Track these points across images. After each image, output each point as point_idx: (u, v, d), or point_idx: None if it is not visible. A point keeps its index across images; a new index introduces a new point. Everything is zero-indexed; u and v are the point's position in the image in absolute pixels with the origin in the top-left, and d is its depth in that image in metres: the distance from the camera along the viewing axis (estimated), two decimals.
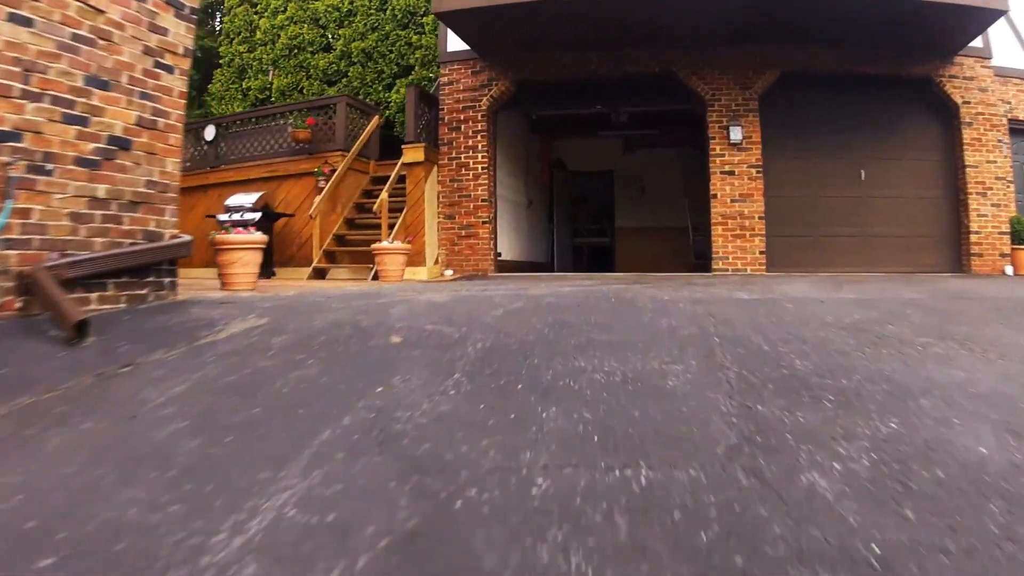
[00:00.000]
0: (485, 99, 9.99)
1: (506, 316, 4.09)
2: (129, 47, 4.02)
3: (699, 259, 14.82)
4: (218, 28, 17.11)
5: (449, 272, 9.81)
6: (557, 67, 9.85)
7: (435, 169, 10.05)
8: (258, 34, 14.15)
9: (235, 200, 10.57)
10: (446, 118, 10.12)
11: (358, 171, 10.86)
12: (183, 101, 4.42)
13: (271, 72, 13.78)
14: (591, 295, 5.31)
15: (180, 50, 4.41)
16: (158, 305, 4.21)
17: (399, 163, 9.96)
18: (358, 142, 10.79)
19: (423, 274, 9.47)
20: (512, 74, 9.96)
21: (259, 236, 6.13)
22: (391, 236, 9.15)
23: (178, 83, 4.39)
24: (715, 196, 9.58)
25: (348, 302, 4.78)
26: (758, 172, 9.67)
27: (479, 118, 9.94)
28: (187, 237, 4.41)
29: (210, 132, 12.22)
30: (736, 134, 9.64)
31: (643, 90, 10.35)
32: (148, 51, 4.16)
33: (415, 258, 9.52)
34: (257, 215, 10.21)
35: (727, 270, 9.44)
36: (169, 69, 4.32)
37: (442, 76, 10.32)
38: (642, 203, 15.69)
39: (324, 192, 10.04)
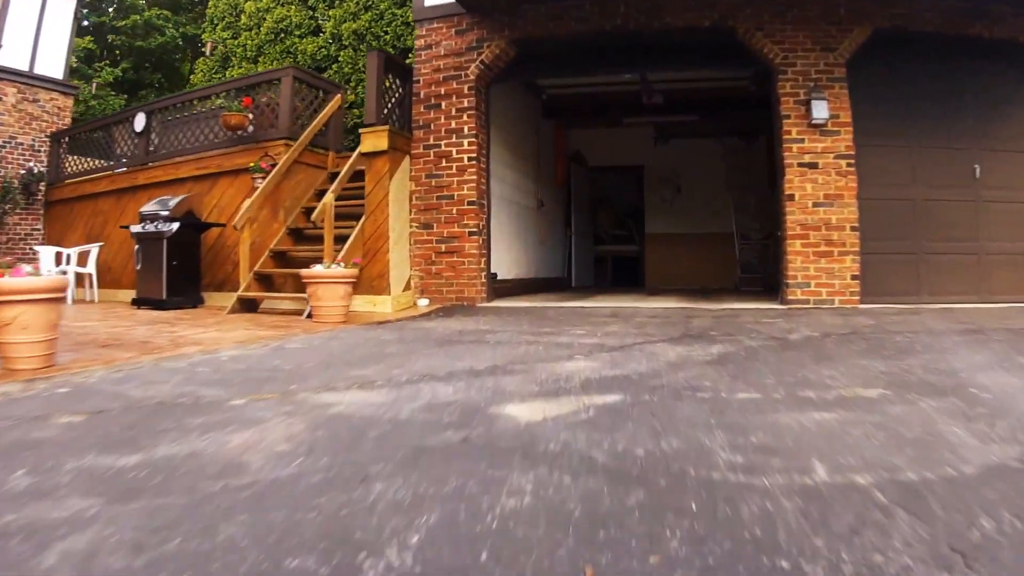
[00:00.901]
0: (474, 66, 7.37)
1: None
2: None
3: (746, 272, 12.18)
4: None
5: (424, 302, 7.21)
6: (571, 20, 7.19)
7: (406, 162, 7.46)
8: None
9: (150, 207, 8.20)
10: (422, 93, 7.52)
11: (311, 166, 8.32)
12: None
13: (209, 46, 11.54)
14: (641, 383, 2.68)
15: None
16: None
17: (355, 154, 7.38)
18: (309, 128, 8.23)
19: (386, 305, 6.89)
20: (509, 32, 7.33)
21: (45, 282, 3.56)
22: (341, 254, 6.59)
23: None
24: (792, 197, 6.87)
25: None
26: (849, 165, 6.96)
27: (466, 92, 7.32)
28: None
29: (140, 122, 9.80)
30: (820, 110, 6.92)
31: (687, 53, 7.67)
32: None
33: (376, 283, 6.95)
34: (174, 225, 7.77)
35: (807, 301, 6.73)
36: None
37: (417, 39, 7.71)
38: (677, 204, 13.08)
39: (257, 194, 7.50)
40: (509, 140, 9.20)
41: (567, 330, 4.92)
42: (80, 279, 9.15)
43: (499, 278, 8.36)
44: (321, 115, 8.58)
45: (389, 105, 7.66)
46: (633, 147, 13.09)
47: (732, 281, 12.23)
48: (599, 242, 13.73)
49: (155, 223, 8.02)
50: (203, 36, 13.71)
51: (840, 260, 6.83)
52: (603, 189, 14.33)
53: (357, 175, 7.40)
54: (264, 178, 7.64)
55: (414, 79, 7.62)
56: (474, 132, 7.20)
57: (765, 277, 11.66)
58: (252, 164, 8.08)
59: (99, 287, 9.16)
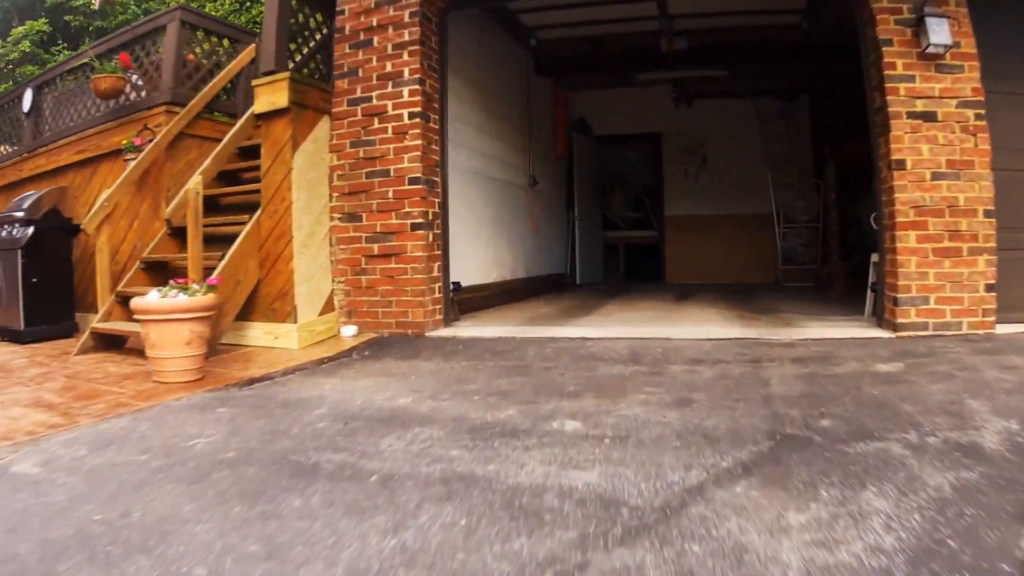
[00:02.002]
0: None
1: None
2: None
3: (789, 263, 9.82)
4: None
5: (350, 330, 4.92)
6: None
7: (323, 126, 5.15)
8: None
9: (8, 208, 6.11)
10: (347, 27, 5.19)
11: (212, 139, 6.02)
12: None
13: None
14: None
15: None
16: None
17: (246, 115, 5.13)
18: (207, 89, 6.01)
19: (290, 338, 4.64)
20: None
21: None
22: (219, 268, 4.38)
23: None
24: (902, 165, 4.53)
25: None
26: (978, 118, 4.61)
27: (407, 20, 4.97)
28: None
29: (27, 100, 7.66)
30: (939, 32, 4.55)
31: None
32: None
33: (277, 305, 4.72)
34: (29, 231, 5.67)
35: (924, 324, 4.41)
36: None
37: None
38: (703, 180, 10.68)
39: (120, 182, 5.32)
40: (484, 99, 6.86)
41: (548, 417, 2.64)
42: None
43: (468, 286, 6.06)
44: (224, 71, 6.30)
45: (305, 50, 5.36)
46: (649, 111, 10.73)
47: (771, 273, 9.90)
48: (609, 227, 11.37)
49: (8, 229, 5.84)
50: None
51: (970, 262, 4.48)
52: (613, 163, 11.94)
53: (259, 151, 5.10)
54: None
55: (337, 8, 5.26)
56: (418, 77, 4.85)
57: (817, 270, 9.32)
58: (124, 142, 5.88)
59: None
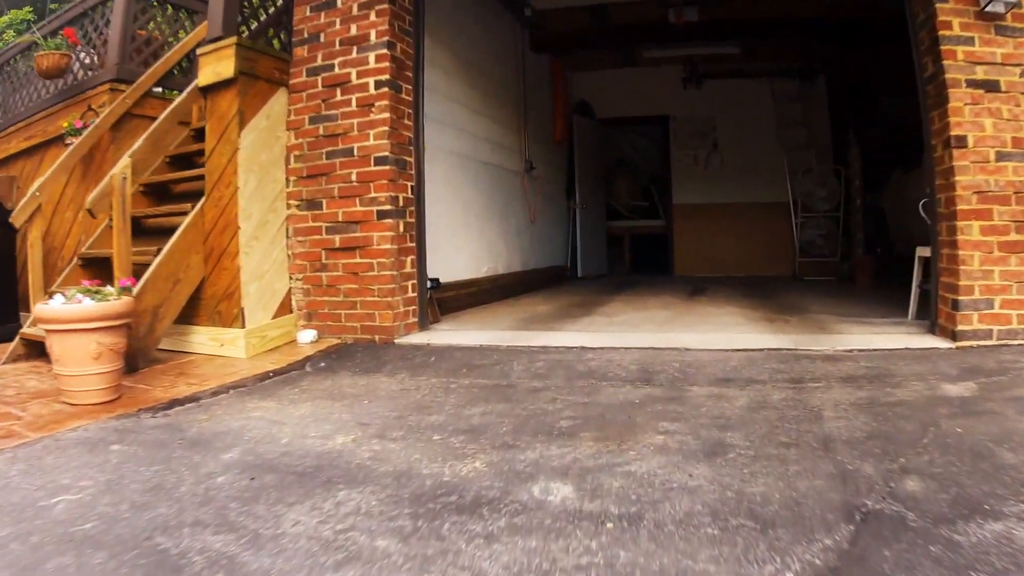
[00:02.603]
0: None
1: None
2: None
3: (807, 255, 9.07)
4: None
5: (308, 336, 4.20)
6: None
7: (279, 99, 4.42)
8: None
9: None
10: None
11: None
12: None
13: None
14: None
15: None
16: None
17: (188, 89, 4.44)
18: (157, 65, 5.32)
19: (237, 345, 3.95)
20: None
21: None
22: (153, 266, 3.70)
23: None
24: (962, 142, 3.79)
25: None
26: None
27: None
28: None
29: None
30: None
31: None
32: None
33: (222, 308, 4.04)
34: None
35: (988, 332, 3.68)
36: None
37: None
38: (714, 166, 9.92)
39: (55, 169, 4.69)
40: (474, 74, 6.14)
41: (529, 475, 1.96)
42: None
43: (454, 282, 5.35)
44: (179, 45, 5.57)
45: (263, 17, 4.64)
46: (656, 92, 9.99)
47: (787, 266, 9.18)
48: (613, 217, 10.63)
49: None
50: None
51: None
52: (617, 148, 11.19)
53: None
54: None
55: None
56: (387, 40, 4.11)
57: (838, 264, 8.58)
58: (66, 124, 5.21)
59: None
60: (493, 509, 1.64)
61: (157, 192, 5.01)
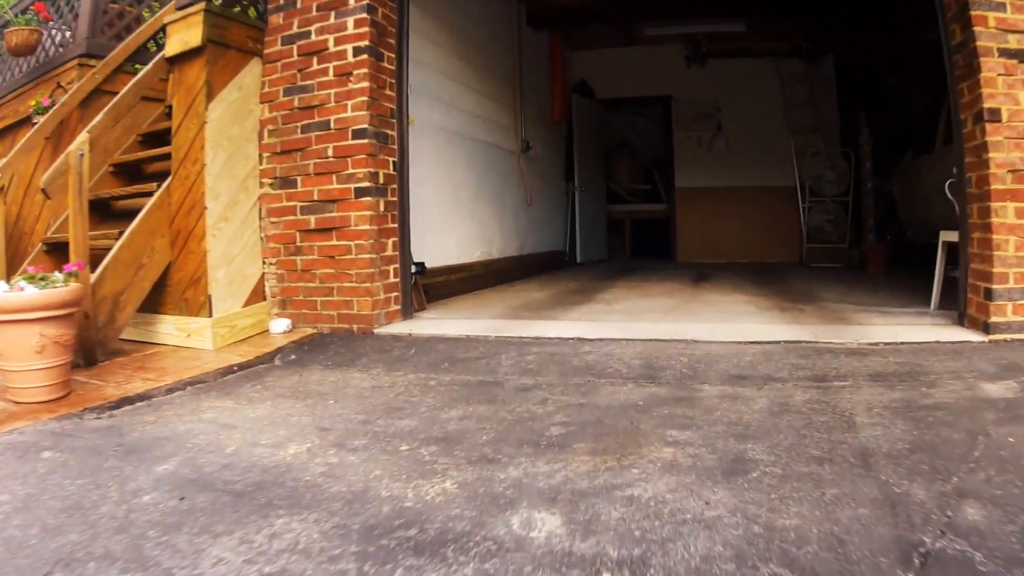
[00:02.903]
0: None
1: None
2: None
3: (815, 241, 8.73)
4: None
5: (281, 325, 3.87)
6: None
7: (252, 71, 4.08)
8: None
9: None
10: None
11: (141, 98, 4.92)
12: None
13: None
14: None
15: None
16: None
17: (155, 60, 4.11)
18: (128, 40, 5.00)
19: (204, 336, 3.64)
20: None
21: None
22: (113, 250, 3.38)
23: None
24: (996, 115, 3.44)
25: None
26: None
27: None
28: None
29: None
30: None
31: None
32: None
33: (188, 295, 3.74)
34: None
35: (1022, 324, 3.32)
36: None
37: None
38: (718, 148, 9.54)
39: (18, 148, 4.36)
40: (466, 47, 5.78)
41: (509, 500, 1.64)
42: None
43: (443, 267, 5.03)
44: (154, 18, 5.19)
45: None
46: (658, 71, 9.60)
47: (794, 252, 8.85)
48: (614, 200, 10.27)
49: None
50: None
51: None
52: (618, 130, 10.82)
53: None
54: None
55: None
56: (366, 3, 3.74)
57: (847, 250, 8.25)
58: (33, 103, 4.90)
59: None
60: (460, 548, 1.32)
61: (129, 172, 4.68)
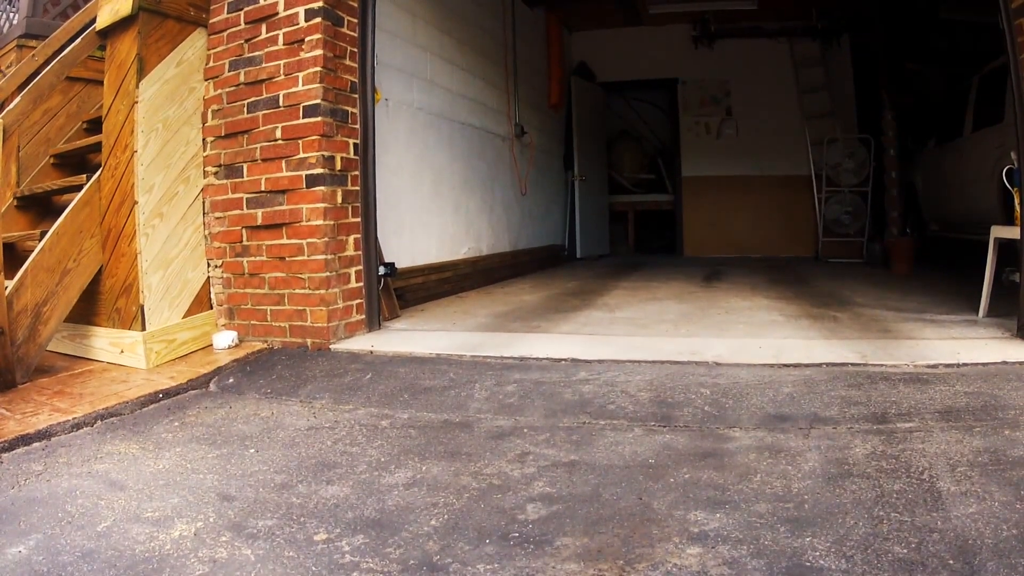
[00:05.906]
0: None
1: None
2: None
3: (832, 235, 8.13)
4: None
5: (227, 339, 3.30)
6: None
7: (194, 43, 3.49)
8: None
9: None
10: None
11: (87, 81, 4.43)
12: None
13: None
14: None
15: None
16: None
17: (85, 34, 3.56)
18: (73, 19, 4.41)
19: (136, 355, 3.07)
20: None
21: None
22: (34, 254, 2.82)
23: None
24: None
25: None
26: None
27: None
28: None
29: None
30: None
31: None
32: None
33: (120, 305, 3.17)
34: None
35: None
36: None
37: None
38: (727, 135, 8.95)
39: None
40: (449, 21, 5.18)
41: None
42: None
43: (423, 266, 4.47)
44: None
45: None
46: (663, 53, 8.98)
47: (809, 246, 8.28)
48: (617, 191, 9.68)
49: None
50: None
51: None
52: (621, 116, 10.21)
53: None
54: None
55: None
56: None
57: (868, 244, 7.66)
58: None
59: None
60: None
61: (73, 163, 4.15)
